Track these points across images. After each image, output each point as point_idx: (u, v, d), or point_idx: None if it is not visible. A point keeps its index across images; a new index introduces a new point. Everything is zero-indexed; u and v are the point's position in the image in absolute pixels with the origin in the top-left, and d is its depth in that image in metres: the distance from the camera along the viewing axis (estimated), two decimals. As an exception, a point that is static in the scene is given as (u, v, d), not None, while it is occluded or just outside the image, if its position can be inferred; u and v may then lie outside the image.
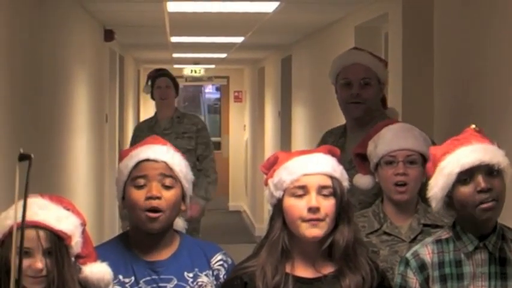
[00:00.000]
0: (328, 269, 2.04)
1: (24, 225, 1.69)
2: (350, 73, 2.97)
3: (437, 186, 2.11)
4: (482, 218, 2.09)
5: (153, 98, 5.38)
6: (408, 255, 2.18)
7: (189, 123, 5.21)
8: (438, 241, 2.17)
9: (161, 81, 5.27)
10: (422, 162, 2.52)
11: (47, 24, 3.89)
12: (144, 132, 4.99)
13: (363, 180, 2.62)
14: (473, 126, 2.19)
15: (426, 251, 2.15)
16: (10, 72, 2.96)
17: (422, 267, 2.14)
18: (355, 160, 2.66)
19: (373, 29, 5.24)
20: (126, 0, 5.14)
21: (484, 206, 2.07)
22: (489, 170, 2.08)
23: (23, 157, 1.76)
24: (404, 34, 4.25)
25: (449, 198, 2.12)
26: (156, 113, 5.36)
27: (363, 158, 2.63)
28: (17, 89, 3.09)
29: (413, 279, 2.14)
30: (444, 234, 2.18)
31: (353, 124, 2.99)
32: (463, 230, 2.14)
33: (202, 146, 5.18)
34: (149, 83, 5.37)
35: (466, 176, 2.08)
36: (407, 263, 2.16)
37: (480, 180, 2.07)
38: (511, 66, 2.90)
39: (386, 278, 2.14)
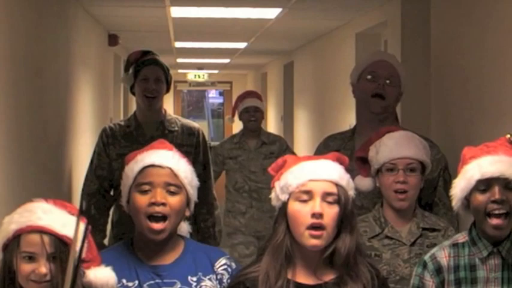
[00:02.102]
0: (328, 276, 2.04)
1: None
2: (377, 67, 2.98)
3: (459, 187, 2.17)
4: (491, 234, 2.14)
5: (132, 92, 3.71)
6: (426, 257, 2.23)
7: (186, 133, 3.66)
8: (455, 245, 2.22)
9: (149, 72, 3.63)
10: (422, 170, 2.58)
11: (52, 28, 3.93)
12: (118, 140, 3.61)
13: (364, 183, 2.65)
14: (508, 135, 2.21)
15: (443, 254, 2.21)
16: (14, 77, 2.98)
17: (439, 270, 2.20)
18: (356, 163, 2.69)
19: (373, 35, 5.28)
20: (130, 5, 5.17)
21: (495, 222, 2.12)
22: (507, 184, 2.12)
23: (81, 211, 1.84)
24: (403, 41, 4.29)
25: (468, 201, 2.17)
26: (135, 115, 3.69)
27: (364, 160, 2.67)
28: (21, 94, 3.12)
29: (430, 282, 2.19)
30: (461, 238, 2.24)
31: (366, 124, 2.99)
32: (478, 236, 2.19)
33: (199, 166, 3.60)
34: (130, 70, 3.68)
35: (484, 184, 2.13)
36: (425, 266, 2.22)
37: (496, 191, 2.11)
38: (507, 70, 2.95)
39: (386, 284, 2.15)
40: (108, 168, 3.60)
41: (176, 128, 3.67)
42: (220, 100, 15.13)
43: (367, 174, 2.65)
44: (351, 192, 2.06)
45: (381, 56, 3.05)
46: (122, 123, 3.72)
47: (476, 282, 2.17)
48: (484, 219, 2.13)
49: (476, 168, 2.13)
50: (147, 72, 3.63)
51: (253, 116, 5.05)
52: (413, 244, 2.54)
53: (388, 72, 2.97)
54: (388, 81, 2.96)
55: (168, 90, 3.74)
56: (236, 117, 5.30)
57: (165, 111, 3.72)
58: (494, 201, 2.11)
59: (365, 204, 2.82)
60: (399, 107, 4.23)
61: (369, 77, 2.98)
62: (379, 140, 2.62)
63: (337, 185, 2.02)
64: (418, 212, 2.59)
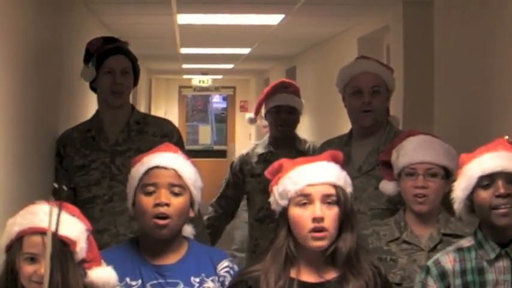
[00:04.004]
0: (331, 275, 2.06)
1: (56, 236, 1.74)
2: (360, 81, 2.94)
3: (459, 187, 2.16)
4: (499, 224, 2.12)
5: (93, 88, 3.13)
6: (429, 263, 2.21)
7: (158, 133, 3.05)
8: (460, 249, 2.20)
9: (114, 62, 3.04)
10: (445, 175, 2.52)
11: (63, 35, 3.96)
12: (77, 148, 3.06)
13: (389, 187, 2.63)
14: (506, 137, 2.21)
15: (448, 259, 2.18)
16: (27, 82, 3.00)
17: (443, 275, 2.17)
18: (381, 167, 2.68)
19: (375, 40, 5.30)
20: (139, 13, 5.22)
21: (500, 211, 2.10)
22: (510, 178, 2.10)
23: (56, 192, 1.78)
24: (405, 45, 4.31)
25: (471, 202, 2.16)
26: (97, 115, 3.13)
27: (388, 164, 2.65)
28: (29, 97, 3.14)
29: (433, 287, 2.17)
30: (466, 242, 2.21)
31: (360, 132, 3.00)
32: (485, 238, 2.17)
33: None
34: (91, 63, 3.08)
35: (486, 180, 2.11)
36: (428, 271, 2.19)
37: (499, 186, 2.10)
38: (511, 73, 2.95)
39: (389, 283, 2.16)
40: (68, 186, 2.95)
41: (146, 129, 3.07)
42: (224, 105, 15.19)
43: (391, 178, 2.63)
44: (349, 189, 2.08)
45: (363, 68, 3.00)
46: (82, 127, 3.13)
47: (485, 285, 2.14)
48: (490, 212, 2.11)
49: (477, 165, 2.12)
50: (112, 63, 3.05)
51: (284, 120, 3.67)
52: (433, 250, 2.48)
53: (371, 84, 2.94)
54: (373, 93, 2.94)
55: (135, 84, 3.13)
56: (260, 117, 3.94)
57: (133, 107, 3.13)
58: (499, 196, 2.09)
59: (361, 208, 2.81)
60: (401, 113, 4.26)
61: (353, 91, 2.95)
62: (400, 144, 2.60)
63: (334, 185, 2.04)
64: (441, 217, 2.53)
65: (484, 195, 2.12)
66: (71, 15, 4.11)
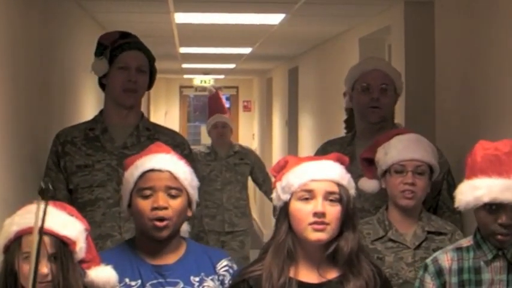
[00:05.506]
0: (332, 274, 2.07)
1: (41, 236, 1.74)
2: (370, 78, 2.96)
3: (465, 196, 2.17)
4: (497, 246, 2.18)
5: (101, 85, 2.92)
6: (428, 260, 2.26)
7: (170, 143, 2.69)
8: (458, 249, 2.25)
9: (130, 58, 2.84)
10: (429, 173, 2.59)
11: (57, 34, 3.95)
12: (78, 147, 2.86)
13: (369, 184, 2.66)
14: None
15: (445, 257, 2.23)
16: (20, 81, 3.01)
17: (439, 272, 2.22)
18: (362, 164, 2.70)
19: (376, 40, 5.30)
20: (135, 11, 5.21)
21: (500, 238, 2.15)
22: None
23: (42, 191, 1.77)
24: (407, 45, 4.30)
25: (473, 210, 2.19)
26: (102, 114, 2.94)
27: (370, 162, 2.68)
28: (26, 98, 3.15)
29: (430, 284, 2.22)
30: (465, 242, 2.26)
31: (365, 131, 3.00)
32: (483, 239, 2.21)
33: None
34: (103, 56, 2.85)
35: (492, 206, 2.14)
36: (426, 268, 2.24)
37: (503, 217, 2.13)
38: (511, 72, 2.95)
39: (389, 282, 2.18)
40: (63, 187, 2.87)
41: (157, 137, 2.87)
42: (227, 105, 15.21)
43: (372, 176, 2.65)
44: (352, 192, 2.09)
45: (373, 65, 3.02)
46: (83, 125, 2.94)
47: (481, 284, 2.19)
48: (490, 235, 2.17)
49: (487, 190, 2.13)
50: (127, 58, 2.83)
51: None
52: (418, 248, 2.55)
53: (381, 81, 2.96)
54: (382, 90, 2.95)
55: (150, 86, 2.91)
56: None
57: (143, 114, 2.95)
58: (500, 225, 2.13)
59: (365, 206, 2.83)
60: (403, 113, 4.25)
61: (362, 87, 2.96)
62: (388, 142, 2.63)
63: (338, 184, 2.06)
64: (424, 215, 2.60)
65: (487, 218, 2.15)
66: (60, 12, 4.07)
